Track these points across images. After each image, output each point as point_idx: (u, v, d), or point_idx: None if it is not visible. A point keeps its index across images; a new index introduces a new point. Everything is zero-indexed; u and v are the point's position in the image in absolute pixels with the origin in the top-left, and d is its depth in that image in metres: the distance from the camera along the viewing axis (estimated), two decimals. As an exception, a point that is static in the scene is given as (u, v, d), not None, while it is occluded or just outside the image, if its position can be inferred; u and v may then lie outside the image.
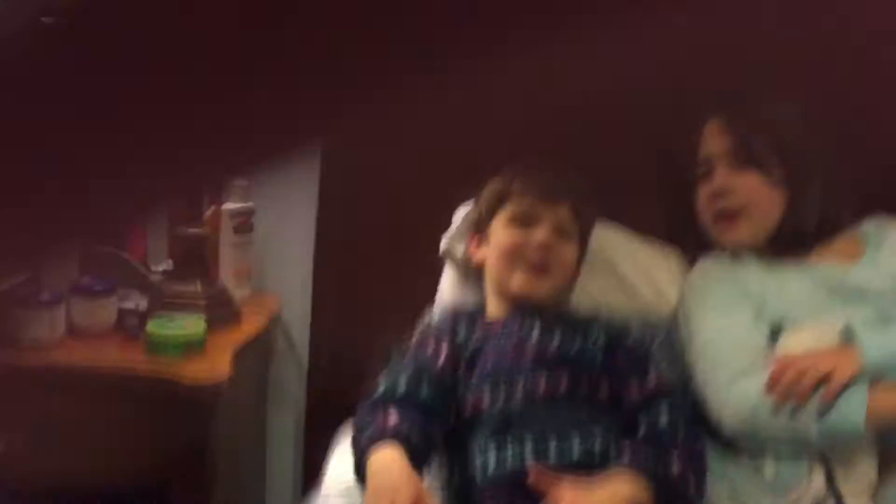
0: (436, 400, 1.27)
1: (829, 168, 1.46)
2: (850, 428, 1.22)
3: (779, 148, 1.44)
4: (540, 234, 1.37)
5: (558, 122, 1.64)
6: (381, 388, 1.28)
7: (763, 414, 1.26)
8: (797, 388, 1.22)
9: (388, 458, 1.15)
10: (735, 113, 1.47)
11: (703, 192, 1.48)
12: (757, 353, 1.31)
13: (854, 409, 1.22)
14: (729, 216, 1.45)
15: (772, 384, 1.24)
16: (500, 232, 1.41)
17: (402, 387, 1.27)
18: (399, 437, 1.18)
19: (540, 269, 1.36)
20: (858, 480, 1.27)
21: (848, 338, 1.31)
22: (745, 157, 1.44)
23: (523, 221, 1.39)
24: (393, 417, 1.21)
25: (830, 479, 1.25)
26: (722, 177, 1.44)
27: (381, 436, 1.18)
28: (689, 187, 1.51)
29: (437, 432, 1.25)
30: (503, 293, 1.41)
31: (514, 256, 1.38)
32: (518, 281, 1.37)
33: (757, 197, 1.44)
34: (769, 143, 1.44)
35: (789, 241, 1.45)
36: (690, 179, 1.50)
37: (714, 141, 1.47)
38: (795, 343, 1.33)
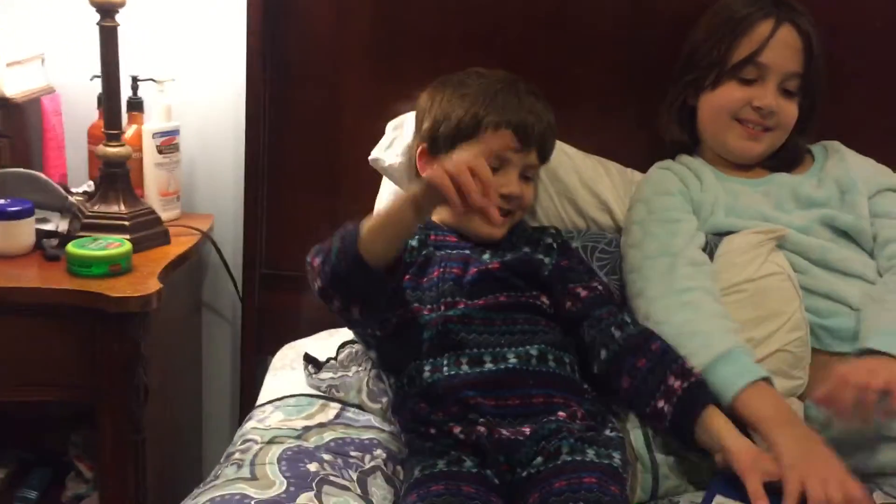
0: None
1: None
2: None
3: (816, 76, 1.42)
4: (510, 183, 1.31)
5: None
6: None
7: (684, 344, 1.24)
8: (861, 410, 1.16)
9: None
10: (804, 30, 1.40)
11: (739, 93, 1.41)
12: (685, 276, 1.29)
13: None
14: (761, 130, 1.42)
15: (829, 400, 1.17)
16: None
17: None
18: None
19: (503, 215, 1.31)
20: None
21: (789, 240, 1.35)
22: (803, 87, 1.41)
23: (491, 164, 1.26)
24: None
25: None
26: (773, 96, 1.40)
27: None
28: (700, 76, 1.44)
29: None
30: (464, 231, 1.35)
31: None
32: (479, 227, 1.32)
33: (790, 123, 1.43)
34: (818, 74, 1.42)
35: (778, 161, 1.46)
36: (705, 70, 1.43)
37: (782, 55, 1.40)
38: (736, 245, 1.34)
